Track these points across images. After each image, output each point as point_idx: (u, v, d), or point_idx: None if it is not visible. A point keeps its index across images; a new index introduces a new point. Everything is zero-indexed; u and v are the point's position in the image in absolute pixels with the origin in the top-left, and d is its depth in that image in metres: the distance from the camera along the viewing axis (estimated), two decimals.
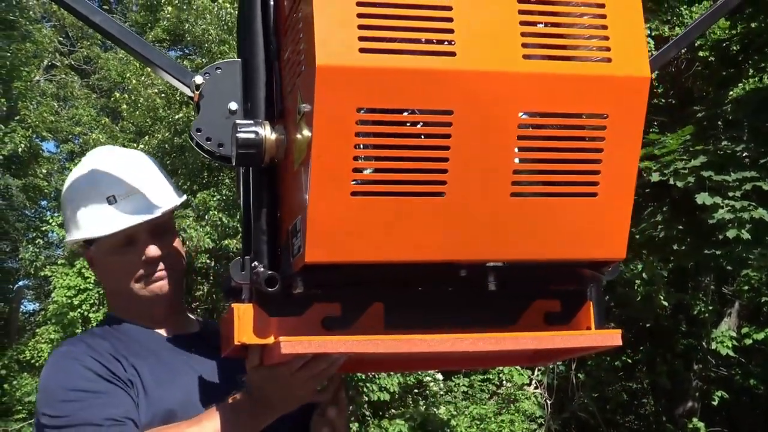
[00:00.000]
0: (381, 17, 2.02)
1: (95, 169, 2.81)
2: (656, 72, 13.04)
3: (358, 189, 2.06)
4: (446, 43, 2.05)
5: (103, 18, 2.50)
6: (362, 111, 2.04)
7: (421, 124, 2.10)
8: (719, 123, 12.31)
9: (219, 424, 2.46)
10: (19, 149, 20.70)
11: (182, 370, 2.72)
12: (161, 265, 2.78)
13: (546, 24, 2.14)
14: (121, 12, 26.97)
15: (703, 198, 10.78)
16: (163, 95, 18.84)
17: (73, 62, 26.24)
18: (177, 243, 2.90)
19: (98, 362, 2.61)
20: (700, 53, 13.24)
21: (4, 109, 20.85)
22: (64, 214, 2.90)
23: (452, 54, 2.03)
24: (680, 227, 12.54)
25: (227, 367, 2.75)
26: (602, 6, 2.13)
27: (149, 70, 2.70)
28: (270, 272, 2.25)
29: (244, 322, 2.29)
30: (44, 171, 22.08)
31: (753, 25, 11.82)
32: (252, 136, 2.23)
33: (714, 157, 11.05)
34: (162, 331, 2.85)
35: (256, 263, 2.31)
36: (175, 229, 2.96)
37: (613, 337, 2.35)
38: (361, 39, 2.00)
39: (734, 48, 12.71)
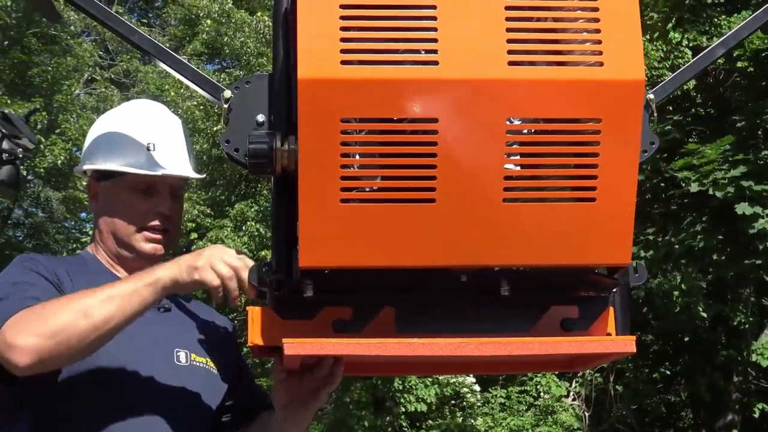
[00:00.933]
0: (364, 29, 2.05)
1: (141, 114, 2.96)
2: (694, 82, 12.98)
3: (347, 196, 2.10)
4: (429, 52, 2.07)
5: (140, 37, 2.56)
6: (347, 121, 2.08)
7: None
8: (759, 133, 12.19)
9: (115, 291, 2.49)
10: (59, 162, 20.83)
11: None
12: (165, 223, 2.88)
13: (534, 30, 2.12)
14: (160, 26, 27.16)
15: (743, 208, 10.69)
16: (201, 107, 18.95)
17: (112, 76, 26.44)
18: (181, 213, 3.03)
19: (44, 267, 2.69)
20: (739, 64, 13.13)
21: (45, 122, 21.02)
22: (93, 141, 2.96)
23: (435, 63, 2.05)
24: (720, 237, 12.44)
25: (168, 333, 2.86)
26: (596, 9, 2.11)
27: (185, 83, 2.82)
28: (276, 276, 2.31)
29: (256, 325, 2.36)
30: (83, 183, 22.19)
31: None
32: (262, 147, 2.26)
33: (754, 167, 10.96)
34: None
35: (266, 267, 2.36)
36: (183, 200, 3.06)
37: (626, 344, 2.32)
38: (344, 51, 2.03)
39: None
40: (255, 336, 2.36)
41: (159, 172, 2.84)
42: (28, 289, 2.58)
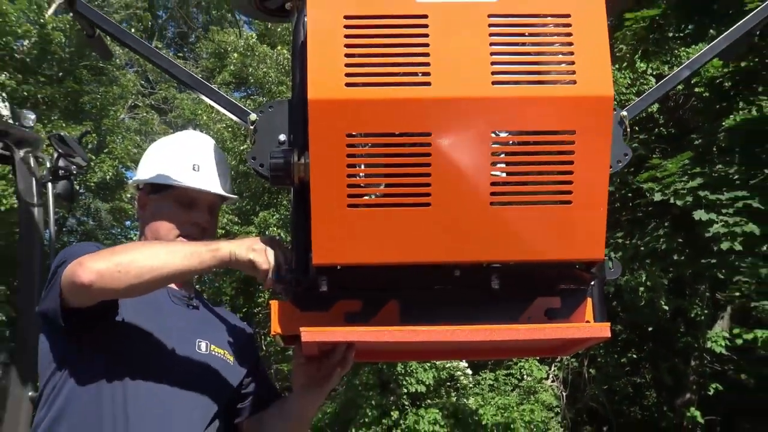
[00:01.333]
0: (365, 56, 2.07)
1: (190, 141, 2.97)
2: (657, 105, 12.98)
3: (353, 202, 2.12)
4: (423, 74, 2.08)
5: (178, 69, 2.60)
6: (352, 136, 2.09)
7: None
8: (714, 149, 12.18)
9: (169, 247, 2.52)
10: (107, 177, 20.85)
11: (153, 312, 2.74)
12: (201, 234, 2.88)
13: (515, 53, 2.13)
14: (194, 59, 27.17)
15: (699, 214, 10.68)
16: (229, 129, 18.94)
17: (152, 102, 26.49)
18: (215, 227, 3.02)
19: None
20: (696, 89, 13.13)
21: (95, 143, 21.01)
22: (146, 161, 2.98)
23: (427, 84, 2.06)
24: (679, 240, 12.43)
25: (193, 326, 2.85)
26: (569, 35, 2.12)
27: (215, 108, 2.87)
28: (295, 274, 2.33)
29: (278, 316, 2.37)
30: (128, 196, 22.22)
31: (743, 64, 11.72)
32: (281, 161, 2.27)
33: (709, 179, 10.95)
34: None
35: (287, 266, 2.37)
36: (218, 217, 3.07)
37: (602, 329, 2.31)
38: (348, 75, 2.05)
39: (726, 84, 12.60)
40: (276, 326, 2.37)
41: (205, 188, 2.86)
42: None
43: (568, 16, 2.13)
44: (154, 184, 2.91)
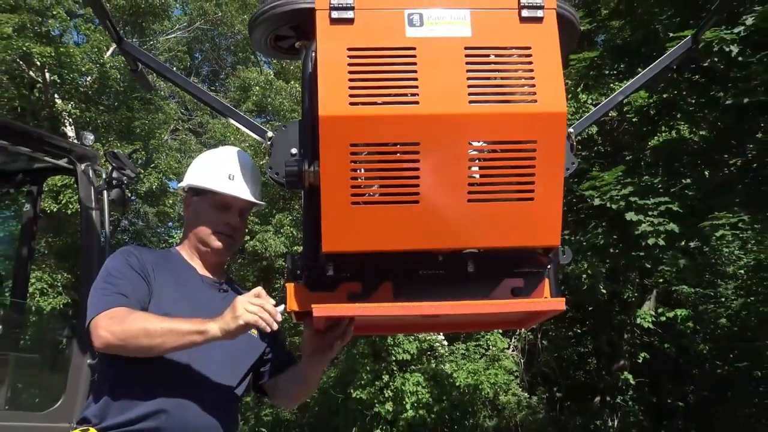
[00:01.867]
0: (365, 80, 2.06)
1: (228, 155, 2.90)
2: (596, 128, 12.98)
3: (356, 200, 2.11)
4: (412, 95, 2.08)
5: (211, 98, 2.64)
6: (355, 145, 2.08)
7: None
8: (642, 164, 12.24)
9: (175, 324, 2.45)
10: (153, 187, 20.78)
11: (187, 296, 2.72)
12: (232, 232, 2.84)
13: (487, 78, 2.12)
14: (223, 92, 27.10)
15: (630, 216, 10.71)
16: (251, 147, 18.88)
17: (190, 126, 26.38)
18: (244, 227, 2.97)
19: (137, 261, 2.67)
20: (628, 115, 13.23)
21: (143, 159, 20.94)
22: (192, 169, 2.93)
23: (416, 103, 2.06)
24: (614, 237, 12.46)
25: (222, 306, 2.71)
26: (530, 63, 2.12)
27: (240, 129, 2.88)
28: (306, 261, 2.32)
29: (293, 296, 2.35)
30: (170, 201, 22.08)
31: (664, 95, 11.77)
32: (294, 169, 2.26)
33: (638, 187, 10.99)
34: (199, 270, 2.85)
35: (299, 256, 2.36)
36: (247, 219, 3.01)
37: (558, 303, 2.31)
38: (351, 96, 2.05)
39: (652, 112, 12.67)
40: (292, 304, 2.34)
41: (238, 195, 2.81)
42: (121, 283, 2.58)
43: (529, 48, 2.14)
44: (197, 188, 2.86)
